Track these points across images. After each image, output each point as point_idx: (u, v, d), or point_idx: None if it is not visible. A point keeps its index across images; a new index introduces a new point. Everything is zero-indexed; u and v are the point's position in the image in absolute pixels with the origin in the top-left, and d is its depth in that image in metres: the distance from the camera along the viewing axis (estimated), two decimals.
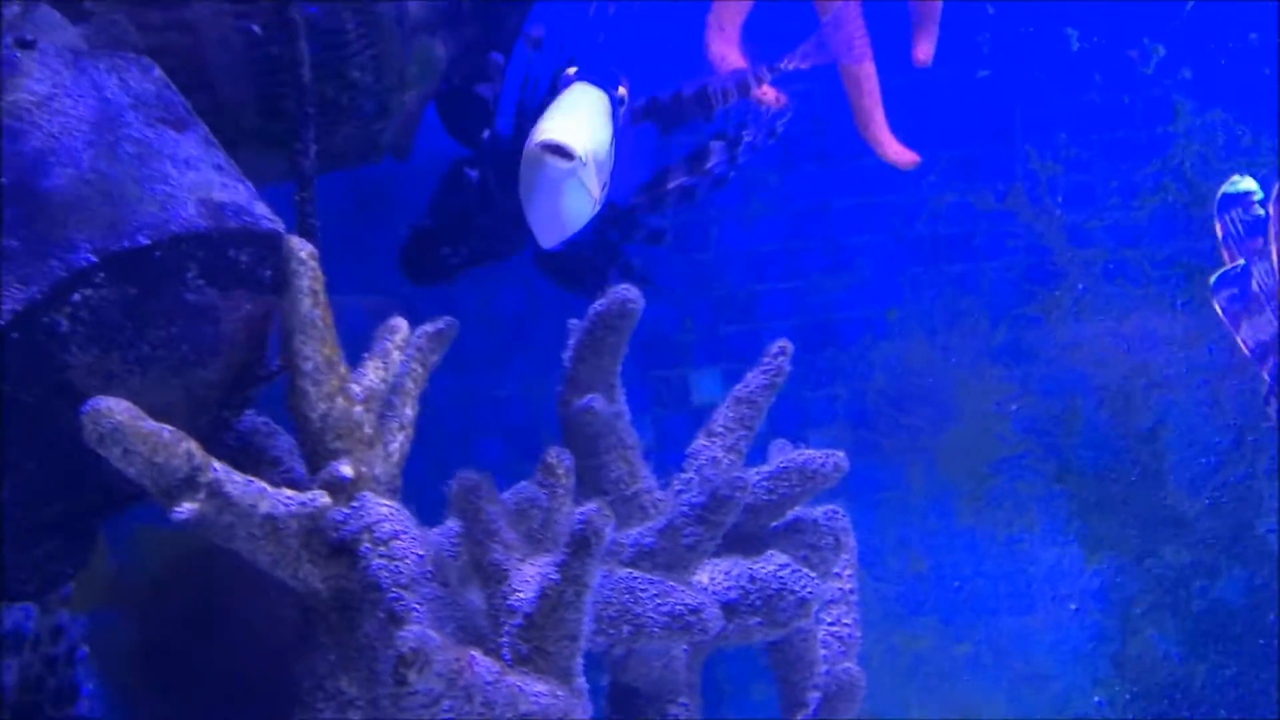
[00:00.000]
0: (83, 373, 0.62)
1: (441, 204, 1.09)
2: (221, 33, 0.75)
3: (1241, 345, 0.94)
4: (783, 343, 0.97)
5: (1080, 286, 1.33)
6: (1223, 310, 0.94)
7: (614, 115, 0.94)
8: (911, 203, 1.31)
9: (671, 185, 1.05)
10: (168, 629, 0.86)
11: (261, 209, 0.66)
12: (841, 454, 0.92)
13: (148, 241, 0.60)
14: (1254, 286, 0.94)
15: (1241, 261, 0.94)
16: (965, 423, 1.35)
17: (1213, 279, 0.94)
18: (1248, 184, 0.96)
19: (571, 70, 0.95)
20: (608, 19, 1.09)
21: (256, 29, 0.75)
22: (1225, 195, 0.97)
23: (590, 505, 0.62)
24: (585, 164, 0.88)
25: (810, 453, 0.93)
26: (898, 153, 1.15)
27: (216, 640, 0.84)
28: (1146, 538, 1.35)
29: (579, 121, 0.89)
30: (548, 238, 0.96)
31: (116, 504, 0.71)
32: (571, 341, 0.91)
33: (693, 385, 1.34)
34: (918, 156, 1.15)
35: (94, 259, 0.59)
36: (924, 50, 1.13)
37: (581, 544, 0.61)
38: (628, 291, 0.87)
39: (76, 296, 0.59)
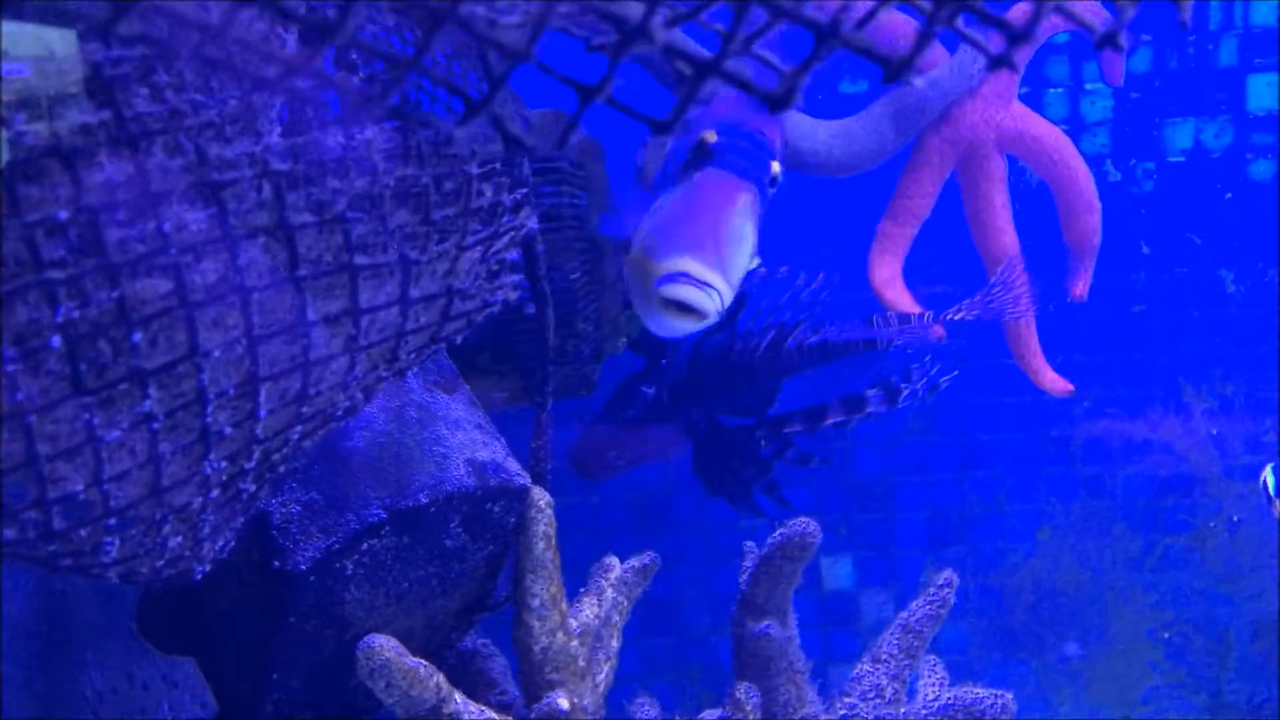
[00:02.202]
0: (353, 606, 0.71)
1: (614, 410, 1.17)
2: None
3: None
4: (948, 574, 1.01)
5: (1235, 518, 1.34)
6: None
7: (762, 204, 0.73)
8: (1052, 406, 1.34)
9: (829, 422, 1.12)
10: None
11: (514, 465, 0.75)
12: (1009, 695, 0.95)
13: (427, 500, 0.69)
14: None
15: None
16: (1116, 648, 1.35)
17: None
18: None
19: (710, 136, 0.71)
20: None
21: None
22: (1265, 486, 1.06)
23: None
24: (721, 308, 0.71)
25: (978, 691, 0.96)
26: (1052, 380, 1.20)
27: None
28: None
29: (714, 261, 0.68)
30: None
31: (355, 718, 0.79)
32: (747, 565, 0.97)
33: (824, 571, 1.38)
34: (1071, 386, 1.20)
35: (384, 515, 0.68)
36: (1080, 286, 1.19)
37: None
38: (807, 525, 0.94)
39: (365, 545, 0.68)
